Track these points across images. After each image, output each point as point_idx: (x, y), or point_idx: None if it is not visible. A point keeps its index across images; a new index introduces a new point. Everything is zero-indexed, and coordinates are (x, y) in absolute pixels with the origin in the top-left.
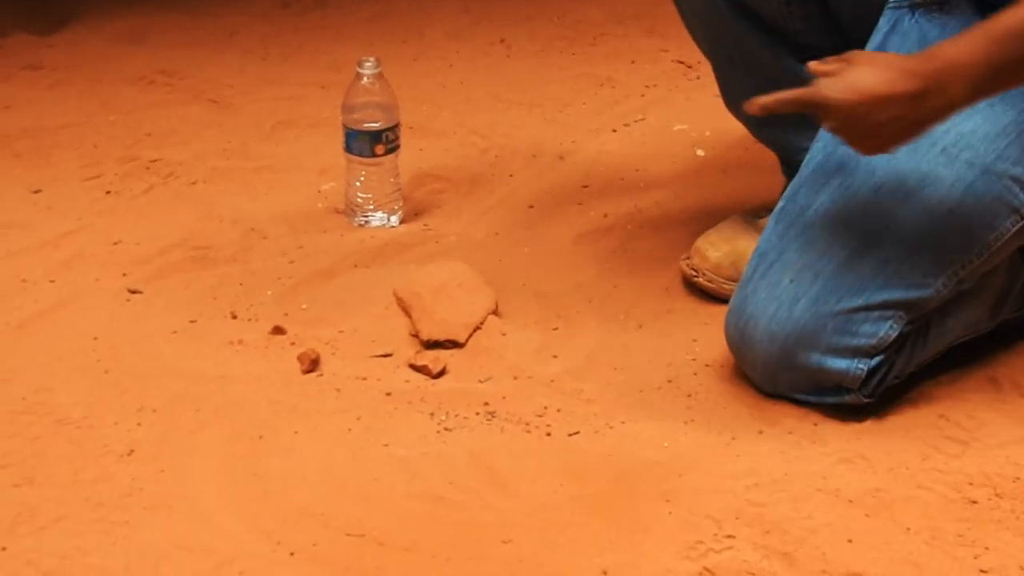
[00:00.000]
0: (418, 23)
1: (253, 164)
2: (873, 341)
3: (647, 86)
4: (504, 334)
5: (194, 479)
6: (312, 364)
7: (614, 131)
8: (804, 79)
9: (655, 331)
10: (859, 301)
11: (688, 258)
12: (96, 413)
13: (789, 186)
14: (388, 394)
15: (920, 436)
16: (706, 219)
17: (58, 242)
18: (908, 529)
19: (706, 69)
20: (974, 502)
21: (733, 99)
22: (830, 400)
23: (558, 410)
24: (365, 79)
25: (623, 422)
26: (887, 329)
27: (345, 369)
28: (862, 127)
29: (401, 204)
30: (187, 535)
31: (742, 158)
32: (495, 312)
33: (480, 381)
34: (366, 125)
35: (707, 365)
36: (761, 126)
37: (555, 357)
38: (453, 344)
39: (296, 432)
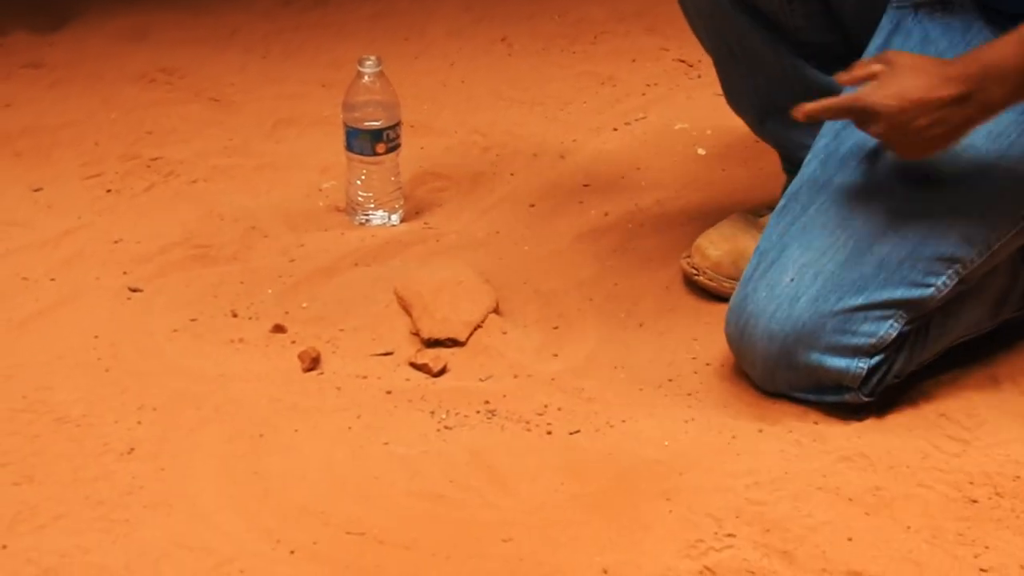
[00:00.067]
0: (419, 21)
1: (254, 162)
2: (873, 340)
3: (648, 85)
4: (505, 332)
5: (194, 477)
6: (312, 362)
7: (615, 130)
8: (805, 76)
9: (656, 330)
10: (859, 300)
11: (689, 256)
12: (96, 411)
13: (790, 185)
14: (388, 392)
15: (920, 434)
16: (707, 218)
17: (59, 240)
18: (908, 528)
19: (707, 68)
20: (974, 501)
21: (735, 95)
22: (830, 399)
23: (559, 408)
24: (366, 77)
25: (623, 420)
26: (887, 328)
27: (345, 367)
28: (907, 132)
29: (402, 203)
30: (187, 533)
31: (743, 157)
32: (496, 310)
33: (481, 379)
34: (367, 123)
35: (707, 364)
36: (763, 122)
37: (556, 356)
38: (454, 342)
39: (296, 430)
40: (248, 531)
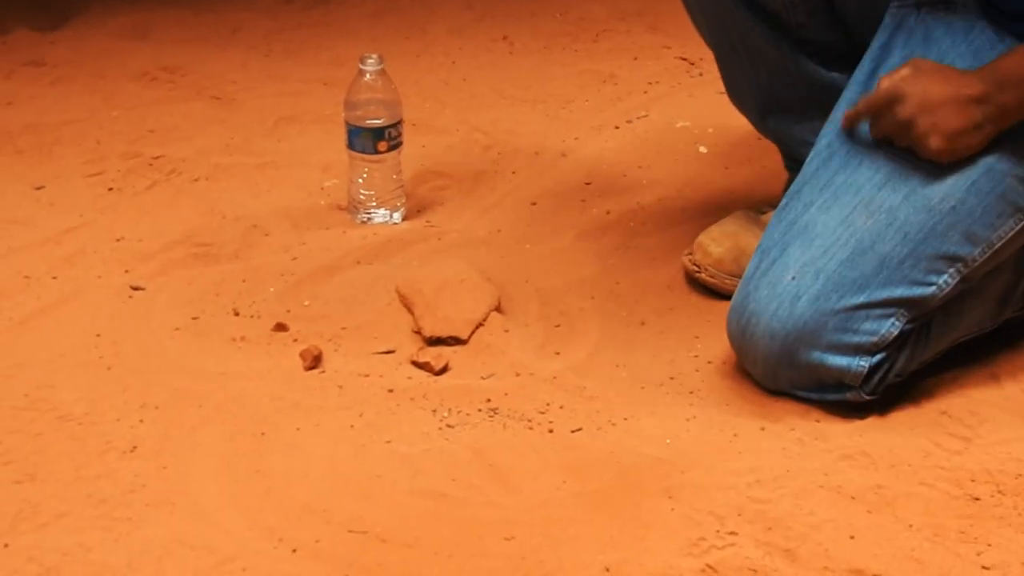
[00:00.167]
0: (421, 19)
1: (256, 160)
2: (874, 339)
3: (650, 83)
4: (506, 331)
5: (196, 476)
6: (314, 361)
7: (617, 128)
8: (808, 73)
9: (657, 328)
10: (860, 299)
11: (690, 253)
12: (98, 409)
13: (793, 183)
14: (390, 391)
15: (922, 433)
16: (709, 216)
17: (60, 238)
18: (910, 526)
19: (709, 66)
20: (976, 499)
21: (737, 92)
22: (832, 397)
23: (560, 407)
24: (368, 75)
25: (625, 419)
26: (888, 327)
27: (347, 366)
28: (932, 114)
29: (404, 201)
30: (189, 532)
31: (745, 155)
32: (497, 309)
33: (482, 378)
34: (369, 122)
35: (709, 362)
36: (764, 119)
37: (557, 354)
38: (455, 341)
39: (298, 429)
40: (250, 529)
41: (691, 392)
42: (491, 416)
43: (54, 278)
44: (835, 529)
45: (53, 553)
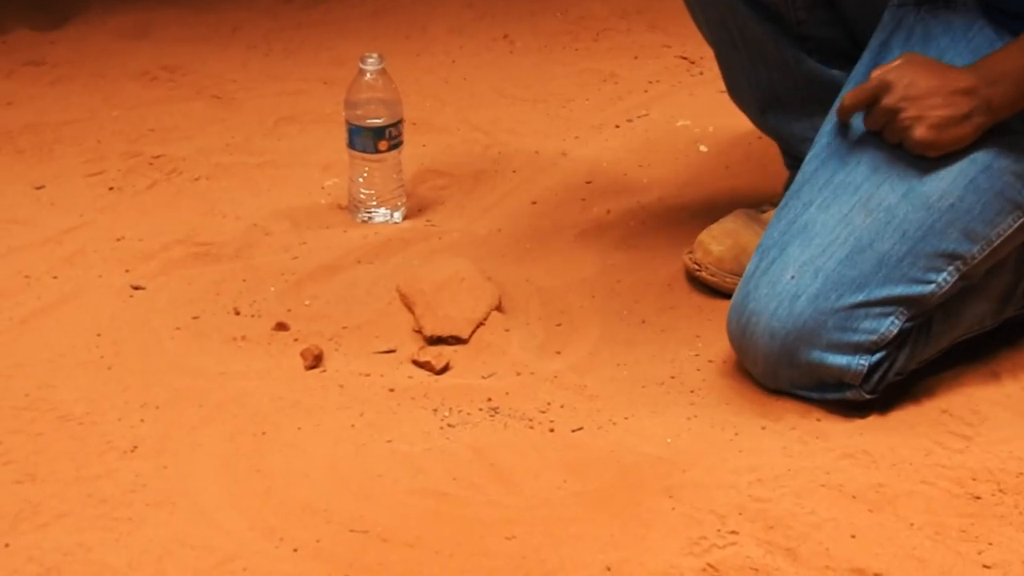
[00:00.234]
0: (421, 18)
1: (256, 160)
2: (874, 337)
3: (650, 82)
4: (507, 330)
5: (197, 475)
6: (315, 360)
7: (617, 127)
8: (807, 69)
9: (658, 327)
10: (860, 297)
11: (691, 252)
12: (99, 409)
13: (793, 183)
14: (391, 390)
15: (923, 431)
16: (709, 215)
17: (61, 238)
18: (911, 524)
19: (709, 65)
20: (977, 497)
21: (736, 88)
22: (832, 396)
23: (561, 406)
24: (368, 75)
25: (626, 418)
26: (888, 325)
27: (348, 365)
28: (918, 105)
29: (404, 200)
30: (190, 532)
31: (745, 154)
32: (498, 308)
33: (483, 377)
34: (369, 121)
35: (710, 361)
36: (764, 115)
37: (558, 353)
38: (456, 340)
39: (299, 428)
40: (251, 529)
41: (692, 391)
42: (492, 415)
43: (54, 278)
44: (836, 528)
45: (53, 553)
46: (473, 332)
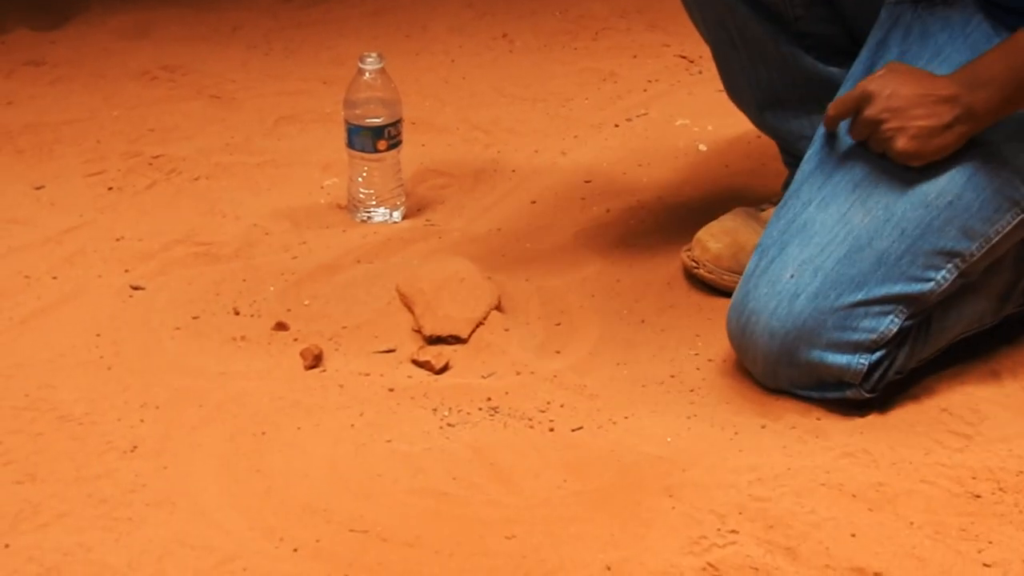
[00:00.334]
0: (421, 18)
1: (256, 160)
2: (874, 336)
3: (649, 81)
4: (507, 329)
5: (197, 475)
6: (315, 360)
7: (616, 126)
8: (805, 67)
9: (658, 326)
10: (859, 296)
11: (689, 249)
12: (99, 409)
13: (792, 182)
14: (391, 390)
15: (923, 430)
16: (708, 214)
17: (60, 238)
18: (911, 523)
19: (709, 64)
20: (977, 496)
21: (734, 86)
22: (832, 395)
23: (561, 405)
24: (367, 74)
25: (626, 417)
26: (888, 324)
27: (348, 365)
28: (900, 116)
29: (403, 200)
30: (190, 532)
31: (744, 153)
32: (498, 307)
33: (483, 376)
34: (368, 121)
35: (710, 360)
36: (762, 113)
37: (558, 352)
38: (456, 340)
39: (299, 428)
40: (251, 529)
41: (691, 390)
42: (492, 415)
43: (54, 278)
44: (836, 527)
45: (53, 553)
46: (473, 332)
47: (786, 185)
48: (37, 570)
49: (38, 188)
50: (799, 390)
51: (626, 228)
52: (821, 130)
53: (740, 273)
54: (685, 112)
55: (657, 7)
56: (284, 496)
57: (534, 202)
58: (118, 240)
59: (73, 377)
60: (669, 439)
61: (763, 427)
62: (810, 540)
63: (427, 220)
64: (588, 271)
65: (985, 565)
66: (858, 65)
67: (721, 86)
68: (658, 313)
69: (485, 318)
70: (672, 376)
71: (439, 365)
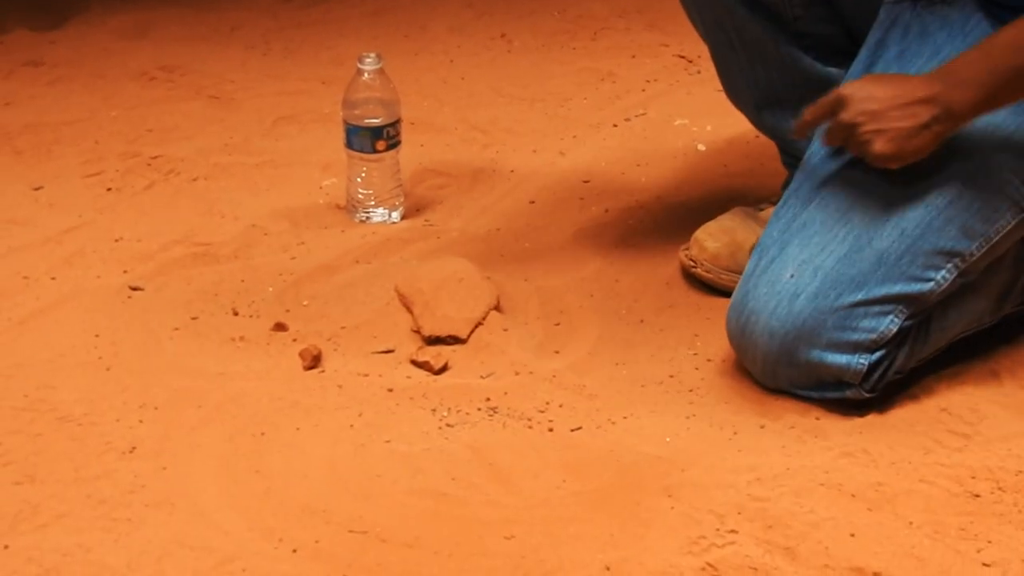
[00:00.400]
0: (420, 18)
1: (254, 160)
2: (873, 336)
3: (648, 81)
4: (506, 329)
5: (196, 476)
6: (314, 360)
7: (615, 126)
8: (804, 67)
9: (657, 326)
10: (859, 296)
11: (687, 248)
12: (98, 410)
13: (792, 182)
14: (390, 390)
15: (922, 430)
16: (707, 214)
17: (59, 239)
18: (911, 523)
19: (707, 64)
20: (977, 496)
21: (733, 86)
22: (831, 395)
23: (560, 405)
24: (366, 75)
25: (625, 417)
26: (887, 324)
27: (347, 365)
28: (877, 119)
29: (402, 200)
30: (189, 532)
31: (743, 153)
32: (497, 307)
33: (482, 377)
34: (367, 121)
35: (709, 360)
36: (760, 113)
37: (557, 352)
38: (455, 340)
39: (298, 429)
40: (250, 530)
41: (690, 390)
42: (491, 415)
43: (53, 278)
44: (835, 527)
45: (53, 553)
46: (472, 332)
47: (785, 185)
48: (36, 571)
49: (37, 188)
50: (798, 390)
51: (625, 228)
52: (821, 129)
53: (738, 272)
54: (684, 112)
55: (656, 7)
56: (283, 497)
57: (533, 202)
58: (117, 241)
59: (72, 377)
60: (668, 439)
61: (762, 427)
62: (809, 540)
63: (426, 220)
64: (587, 271)
65: (984, 565)
66: (857, 65)
67: (720, 86)
68: (657, 313)
69: (484, 318)
70: (671, 376)
71: (438, 365)
